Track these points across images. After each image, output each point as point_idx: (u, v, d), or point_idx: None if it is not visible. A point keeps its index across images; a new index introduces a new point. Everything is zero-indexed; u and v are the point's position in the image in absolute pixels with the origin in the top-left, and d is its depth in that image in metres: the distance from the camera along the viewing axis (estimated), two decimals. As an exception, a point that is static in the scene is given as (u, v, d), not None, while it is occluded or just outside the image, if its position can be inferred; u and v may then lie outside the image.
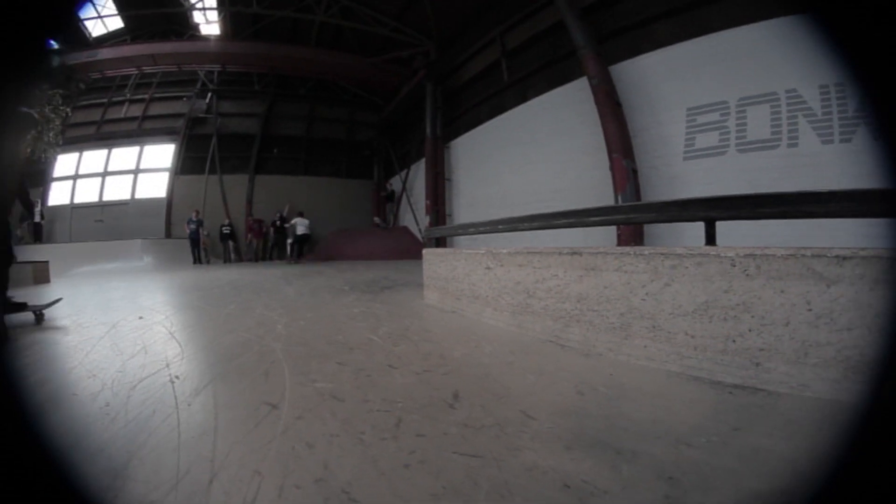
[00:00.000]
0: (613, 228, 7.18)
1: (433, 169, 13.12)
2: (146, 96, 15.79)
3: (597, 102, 7.69)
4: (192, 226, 13.28)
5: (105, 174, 15.41)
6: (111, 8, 14.64)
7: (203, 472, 1.35)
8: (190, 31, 14.61)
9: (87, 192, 15.25)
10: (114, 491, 1.24)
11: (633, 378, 2.24)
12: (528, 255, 3.35)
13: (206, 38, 14.40)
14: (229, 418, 1.77)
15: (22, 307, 3.84)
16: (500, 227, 4.35)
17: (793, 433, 1.59)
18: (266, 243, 15.56)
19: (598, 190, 7.74)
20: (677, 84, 7.05)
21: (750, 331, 2.10)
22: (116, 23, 15.10)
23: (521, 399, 1.97)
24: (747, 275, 2.13)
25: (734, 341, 2.15)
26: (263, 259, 15.21)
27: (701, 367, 2.23)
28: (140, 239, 13.40)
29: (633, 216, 3.59)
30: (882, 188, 2.03)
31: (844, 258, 1.87)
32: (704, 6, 6.70)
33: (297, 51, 14.40)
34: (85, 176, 15.33)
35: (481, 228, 4.67)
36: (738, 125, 6.38)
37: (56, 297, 4.48)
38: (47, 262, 8.37)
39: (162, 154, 15.69)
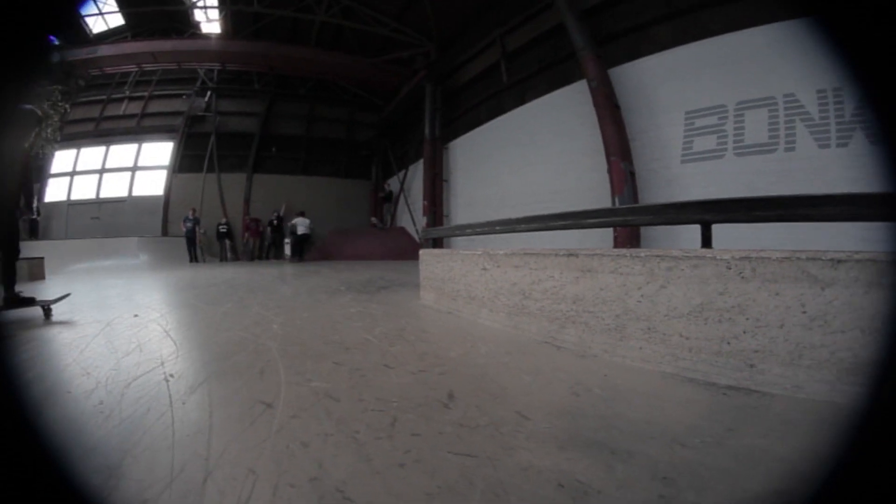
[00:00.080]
0: (610, 230, 7.20)
1: (431, 170, 13.12)
2: (145, 94, 15.76)
3: (595, 105, 7.71)
4: (189, 224, 13.28)
5: (102, 171, 15.37)
6: (112, 5, 14.63)
7: (197, 471, 1.34)
8: (191, 29, 14.58)
9: (84, 189, 15.20)
10: (108, 489, 1.24)
11: (628, 379, 2.24)
12: (525, 257, 3.36)
13: (206, 37, 14.38)
14: (224, 417, 1.76)
15: (30, 302, 3.91)
16: (497, 228, 4.36)
17: (787, 434, 1.60)
18: (263, 242, 15.54)
19: (596, 192, 7.75)
20: (676, 87, 7.07)
21: (745, 333, 2.11)
22: (117, 20, 15.08)
23: (516, 399, 1.97)
24: (742, 277, 2.14)
25: (729, 343, 2.15)
26: (260, 258, 15.19)
27: (696, 369, 2.23)
28: (136, 237, 13.38)
29: (630, 218, 3.60)
30: (878, 192, 2.06)
31: (839, 261, 1.88)
32: (704, 10, 6.72)
33: (298, 50, 14.38)
34: (82, 173, 15.29)
35: (478, 229, 4.68)
36: (735, 129, 6.40)
37: (65, 293, 4.48)
38: (42, 258, 8.36)
39: (160, 152, 15.65)
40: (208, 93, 15.95)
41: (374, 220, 17.20)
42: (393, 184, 16.93)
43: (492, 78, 11.41)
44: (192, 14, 14.15)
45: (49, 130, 10.13)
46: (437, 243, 7.98)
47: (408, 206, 15.60)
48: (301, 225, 14.02)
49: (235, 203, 15.83)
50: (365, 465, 1.38)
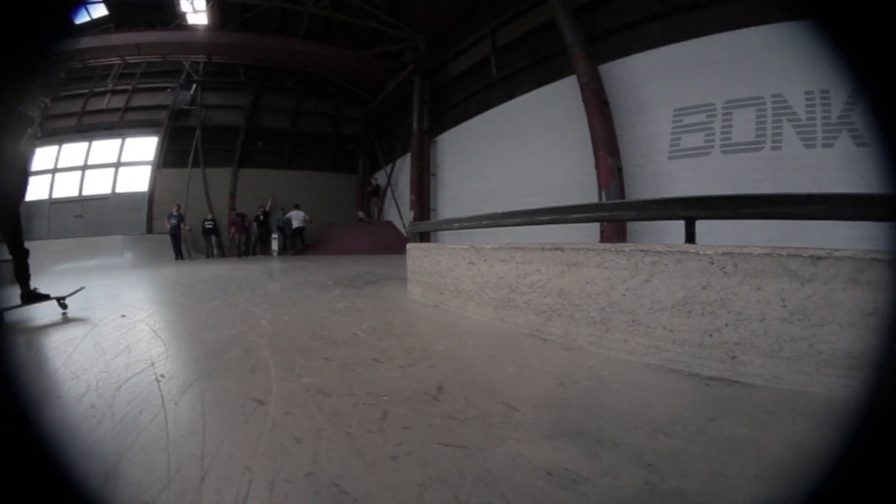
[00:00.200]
0: (597, 225, 7.26)
1: (418, 163, 13.07)
2: (129, 87, 15.31)
3: (584, 100, 7.75)
4: (173, 221, 13.05)
5: (85, 167, 15.02)
6: (96, -6, 14.24)
7: (194, 471, 1.35)
8: (176, 20, 14.22)
9: (66, 187, 14.87)
10: (105, 493, 1.24)
11: (614, 370, 2.29)
12: (511, 251, 3.40)
13: (192, 28, 14.06)
14: (217, 416, 1.78)
15: (45, 297, 4.11)
16: (484, 222, 4.39)
17: (766, 423, 1.66)
18: (249, 238, 15.38)
19: (583, 186, 7.80)
20: (666, 85, 7.14)
21: (727, 326, 2.17)
22: (101, 10, 14.67)
23: (504, 391, 2.01)
24: (725, 272, 2.19)
25: (711, 336, 2.22)
26: (246, 254, 15.03)
27: (679, 360, 2.29)
28: (121, 235, 13.14)
29: (616, 213, 3.65)
30: (857, 193, 2.13)
31: (819, 258, 1.94)
32: (698, 9, 6.78)
33: (286, 42, 14.14)
34: (64, 170, 14.94)
35: (465, 224, 4.70)
36: (723, 127, 6.49)
37: (79, 287, 4.72)
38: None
39: (144, 147, 15.34)
40: (193, 85, 15.62)
41: (360, 214, 17.09)
42: (380, 178, 16.84)
43: (481, 72, 11.38)
44: (178, 4, 13.83)
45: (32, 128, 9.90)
46: (425, 237, 7.99)
47: (395, 200, 15.53)
48: (296, 218, 13.93)
49: (221, 198, 15.58)
50: (358, 459, 1.41)
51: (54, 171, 14.80)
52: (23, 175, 4.11)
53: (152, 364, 2.48)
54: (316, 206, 15.79)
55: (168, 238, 13.14)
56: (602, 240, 6.98)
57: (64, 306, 4.17)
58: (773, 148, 6.00)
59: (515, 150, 10.04)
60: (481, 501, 1.20)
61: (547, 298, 3.05)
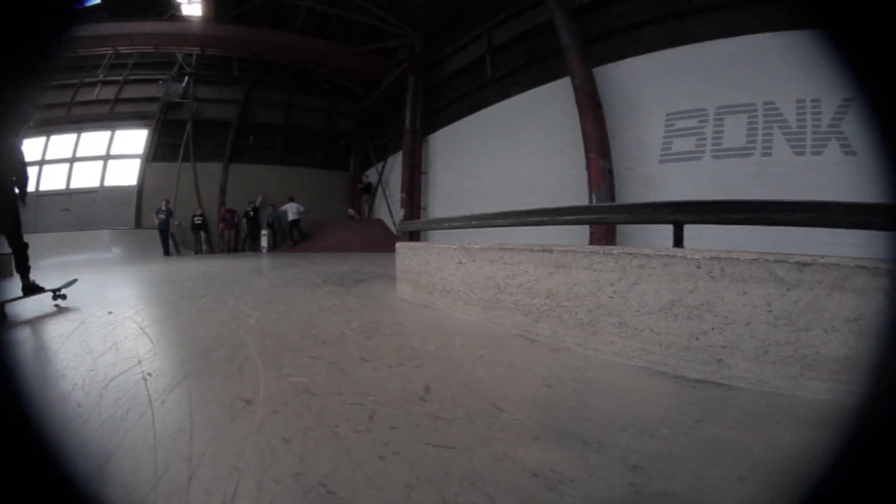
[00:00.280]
0: (586, 227, 7.30)
1: (410, 161, 13.02)
2: (120, 78, 15.08)
3: (578, 102, 7.76)
4: (162, 216, 12.91)
5: (73, 160, 14.79)
6: (88, -17, 14.02)
7: (181, 471, 1.35)
8: (170, 11, 14.04)
9: (53, 179, 14.64)
10: (92, 494, 1.23)
11: (601, 372, 2.31)
12: (500, 251, 3.41)
13: (187, 19, 13.88)
14: (204, 415, 1.76)
15: (42, 289, 4.28)
16: (474, 222, 4.40)
17: (752, 425, 1.68)
18: (239, 234, 15.27)
19: (574, 187, 7.82)
20: (659, 89, 7.18)
21: (713, 329, 2.20)
22: (93, -1, 14.45)
23: (491, 392, 2.02)
24: (712, 276, 2.22)
25: (698, 339, 2.24)
26: (236, 250, 14.92)
27: (665, 363, 2.32)
28: (109, 229, 12.98)
29: (605, 216, 3.68)
30: (844, 202, 2.16)
31: (805, 264, 1.97)
32: (692, 16, 6.83)
33: (281, 36, 13.97)
34: (52, 162, 14.70)
35: (455, 223, 4.70)
36: (714, 132, 6.56)
37: (72, 278, 4.90)
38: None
39: (134, 140, 15.13)
40: (186, 78, 15.41)
41: (351, 211, 17.03)
42: (371, 175, 16.77)
43: (476, 71, 11.36)
44: (174, -6, 13.66)
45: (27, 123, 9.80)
46: (415, 236, 7.98)
47: (386, 198, 15.47)
48: (291, 211, 13.86)
49: (211, 193, 15.42)
50: (346, 459, 1.41)
51: (41, 162, 14.55)
52: (22, 170, 4.20)
53: (139, 362, 2.45)
54: (306, 202, 15.70)
55: (157, 233, 13.00)
56: (591, 242, 7.02)
57: (63, 297, 4.38)
58: (764, 154, 6.07)
59: (508, 149, 10.04)
60: (467, 502, 1.20)
61: (535, 299, 3.07)
